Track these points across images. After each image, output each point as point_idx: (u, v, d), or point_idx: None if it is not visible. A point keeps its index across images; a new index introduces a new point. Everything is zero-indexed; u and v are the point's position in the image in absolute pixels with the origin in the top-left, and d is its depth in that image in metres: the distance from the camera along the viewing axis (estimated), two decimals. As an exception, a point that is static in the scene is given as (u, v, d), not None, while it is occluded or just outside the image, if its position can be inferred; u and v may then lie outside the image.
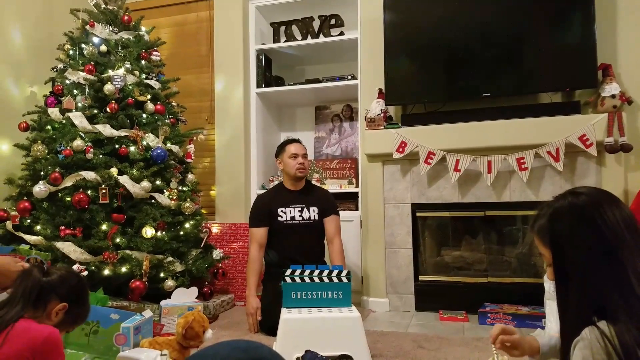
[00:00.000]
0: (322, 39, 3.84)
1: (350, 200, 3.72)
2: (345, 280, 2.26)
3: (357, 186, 3.69)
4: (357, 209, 3.62)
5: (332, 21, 3.88)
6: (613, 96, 2.85)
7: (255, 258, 2.86)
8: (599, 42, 2.93)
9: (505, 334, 1.34)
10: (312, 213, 2.92)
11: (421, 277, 3.29)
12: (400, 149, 3.16)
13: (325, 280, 2.26)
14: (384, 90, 3.34)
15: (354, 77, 3.72)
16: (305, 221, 2.90)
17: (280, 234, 2.91)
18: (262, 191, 3.89)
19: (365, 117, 3.34)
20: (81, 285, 1.54)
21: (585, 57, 2.93)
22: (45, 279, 1.42)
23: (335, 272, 2.27)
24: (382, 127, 3.27)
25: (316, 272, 2.27)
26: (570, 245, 1.06)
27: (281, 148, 3.02)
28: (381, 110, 3.30)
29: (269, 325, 2.61)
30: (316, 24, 3.91)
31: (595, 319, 0.99)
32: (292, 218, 2.88)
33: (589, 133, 2.84)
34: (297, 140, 3.05)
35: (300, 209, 2.90)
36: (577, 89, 3.08)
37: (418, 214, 3.28)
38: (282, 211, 2.88)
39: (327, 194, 3.11)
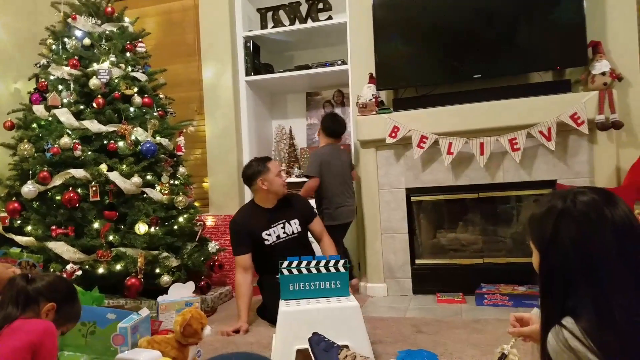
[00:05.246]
0: (310, 23, 3.77)
1: (344, 186, 3.71)
2: (342, 269, 2.25)
3: (350, 172, 3.67)
4: (351, 195, 3.61)
5: (320, 5, 3.81)
6: (603, 73, 2.85)
7: (242, 282, 2.73)
8: (589, 19, 2.91)
9: (523, 324, 1.31)
10: (294, 226, 2.84)
11: (418, 261, 3.29)
12: (393, 134, 3.14)
13: (323, 270, 2.25)
14: (374, 75, 3.31)
15: (344, 62, 3.68)
16: (290, 236, 2.83)
17: (269, 254, 2.79)
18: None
19: (357, 102, 3.31)
20: (67, 285, 1.63)
21: (575, 35, 2.91)
22: (30, 285, 1.50)
23: (332, 262, 2.26)
24: (374, 113, 3.23)
25: (313, 262, 2.25)
26: (555, 248, 1.05)
27: (263, 167, 2.79)
28: (372, 95, 3.26)
29: (270, 316, 2.61)
30: (304, 8, 3.85)
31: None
32: (278, 237, 2.80)
33: (580, 111, 2.84)
34: (271, 158, 2.95)
35: (282, 225, 2.81)
36: (567, 67, 3.07)
37: (413, 198, 3.27)
38: (266, 234, 2.78)
39: (301, 200, 2.99)
